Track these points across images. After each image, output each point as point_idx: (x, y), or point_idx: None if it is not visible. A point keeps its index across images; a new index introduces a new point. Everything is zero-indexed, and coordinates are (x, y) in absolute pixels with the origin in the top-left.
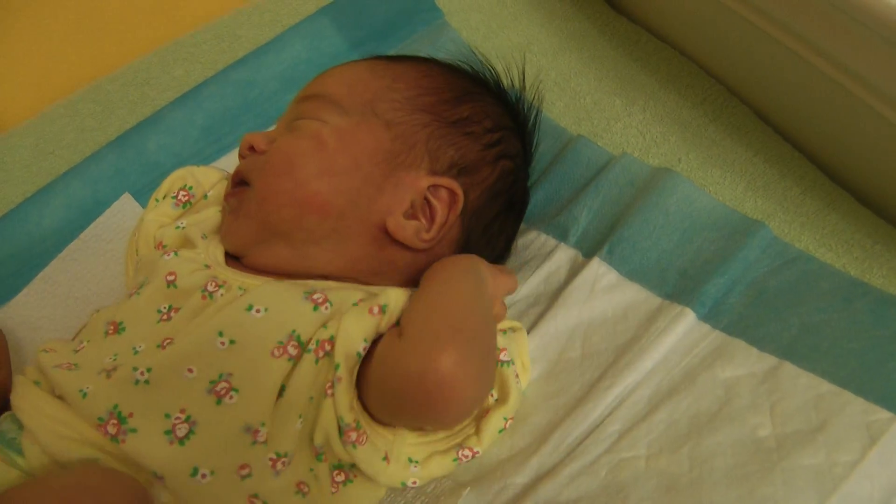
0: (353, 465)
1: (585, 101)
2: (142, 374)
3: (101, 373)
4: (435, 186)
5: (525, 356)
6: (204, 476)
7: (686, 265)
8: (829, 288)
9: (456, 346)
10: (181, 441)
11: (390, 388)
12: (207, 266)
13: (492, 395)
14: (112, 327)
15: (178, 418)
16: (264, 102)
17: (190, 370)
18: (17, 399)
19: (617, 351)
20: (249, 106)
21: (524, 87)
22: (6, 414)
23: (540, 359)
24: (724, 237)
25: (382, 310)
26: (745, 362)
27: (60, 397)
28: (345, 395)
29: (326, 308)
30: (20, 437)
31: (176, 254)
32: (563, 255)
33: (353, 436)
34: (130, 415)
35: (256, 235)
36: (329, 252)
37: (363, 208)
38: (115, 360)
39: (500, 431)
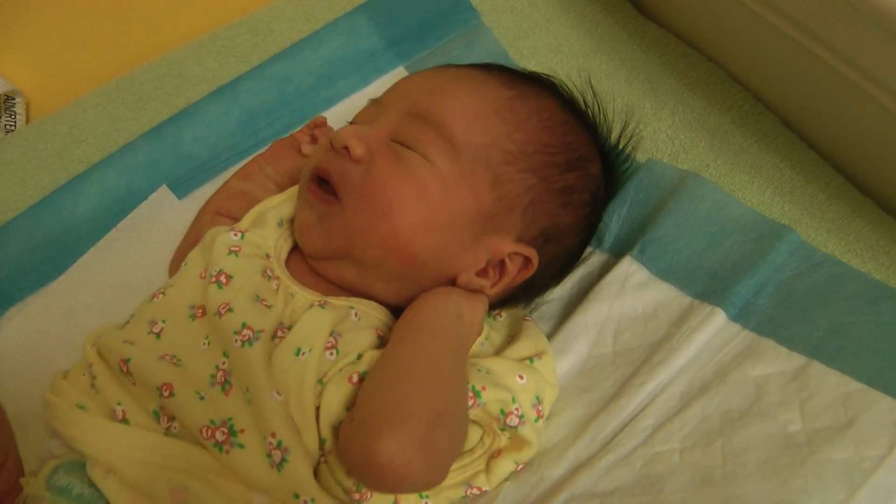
0: None
1: (616, 103)
2: (245, 392)
3: (216, 385)
4: (515, 253)
5: (551, 378)
6: (306, 502)
7: (716, 266)
8: (855, 291)
9: (391, 430)
10: (279, 466)
11: (349, 470)
12: (268, 256)
13: (504, 434)
14: (201, 311)
15: (270, 443)
16: (301, 97)
17: (278, 393)
18: (76, 431)
19: (649, 348)
20: (286, 100)
21: (621, 139)
22: (52, 465)
23: (569, 351)
24: (752, 240)
25: (362, 377)
26: (775, 361)
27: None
28: (338, 465)
29: (332, 354)
30: (76, 482)
31: (242, 236)
32: (597, 260)
33: (357, 496)
34: (242, 430)
35: (333, 254)
36: (393, 289)
37: (444, 263)
38: (223, 362)
39: (511, 473)
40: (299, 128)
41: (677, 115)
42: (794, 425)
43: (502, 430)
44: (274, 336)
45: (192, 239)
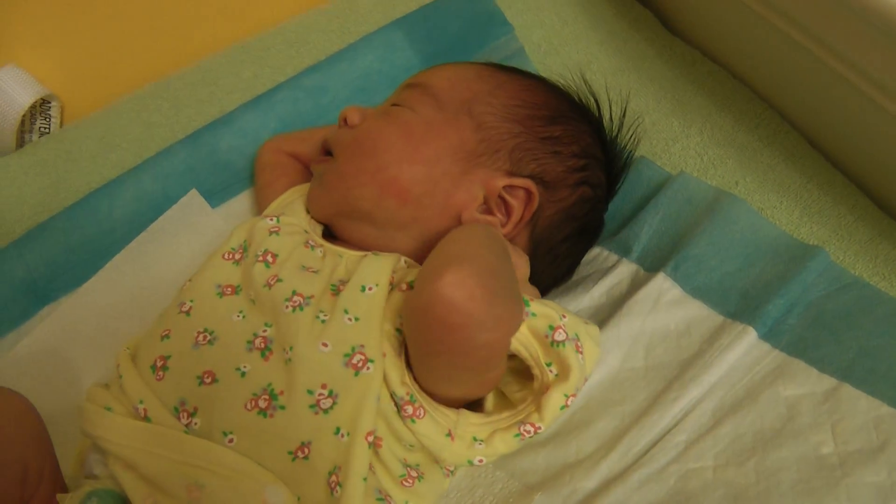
0: (419, 464)
1: (644, 120)
2: (287, 352)
3: (254, 350)
4: (511, 186)
5: (595, 343)
6: (343, 436)
7: (748, 287)
8: (885, 313)
9: (455, 268)
10: (325, 412)
11: (413, 333)
12: (306, 231)
13: (551, 371)
14: (230, 289)
15: (321, 394)
16: (336, 109)
17: (325, 345)
18: (102, 431)
19: (681, 365)
20: (321, 112)
21: (622, 125)
22: (88, 490)
23: (601, 363)
24: (784, 262)
25: (410, 286)
26: (806, 382)
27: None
28: (393, 368)
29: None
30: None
31: (278, 219)
32: (625, 270)
33: (410, 409)
34: (281, 392)
35: (337, 208)
36: (412, 239)
37: (440, 200)
38: (263, 331)
39: (562, 408)
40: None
41: (705, 133)
42: (826, 447)
43: (548, 364)
44: (337, 291)
45: (265, 178)
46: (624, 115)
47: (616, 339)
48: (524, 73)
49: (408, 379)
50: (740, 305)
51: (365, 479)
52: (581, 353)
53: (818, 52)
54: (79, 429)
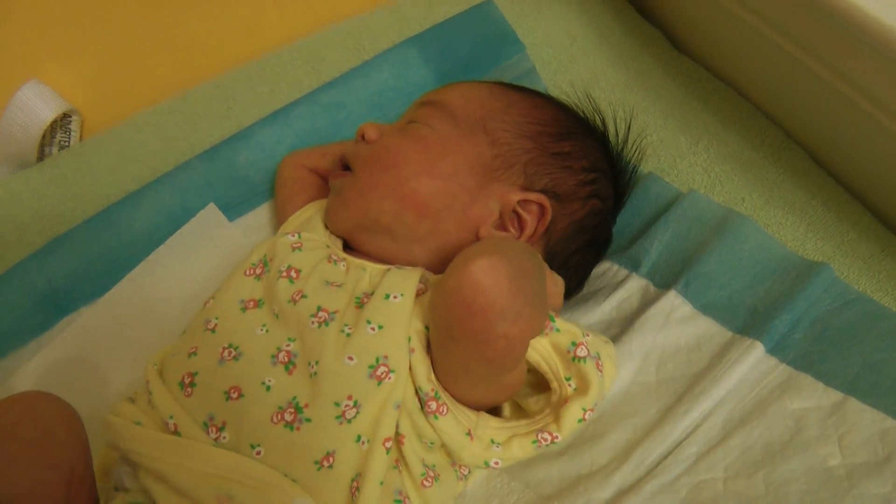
0: (435, 465)
1: (652, 137)
2: (312, 366)
3: (278, 364)
4: (525, 201)
5: (613, 364)
6: (364, 444)
7: (756, 303)
8: (888, 328)
9: (486, 255)
10: (349, 421)
11: (438, 314)
12: (328, 246)
13: (570, 385)
14: (252, 304)
15: (346, 405)
16: (352, 125)
17: (350, 358)
18: (133, 444)
19: (691, 379)
20: (337, 127)
21: (627, 140)
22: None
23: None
24: (791, 279)
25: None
26: (813, 395)
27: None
28: (420, 364)
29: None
30: None
31: (299, 235)
32: (635, 284)
33: (434, 405)
34: (306, 405)
35: (356, 221)
36: (429, 252)
37: (458, 214)
38: (287, 345)
39: (579, 421)
40: None
41: (712, 150)
42: (833, 459)
43: (567, 379)
44: (361, 304)
45: (285, 194)
46: (629, 131)
47: (628, 354)
48: (533, 92)
49: (433, 376)
50: (748, 321)
51: (381, 483)
52: (601, 371)
53: (820, 70)
54: (102, 440)
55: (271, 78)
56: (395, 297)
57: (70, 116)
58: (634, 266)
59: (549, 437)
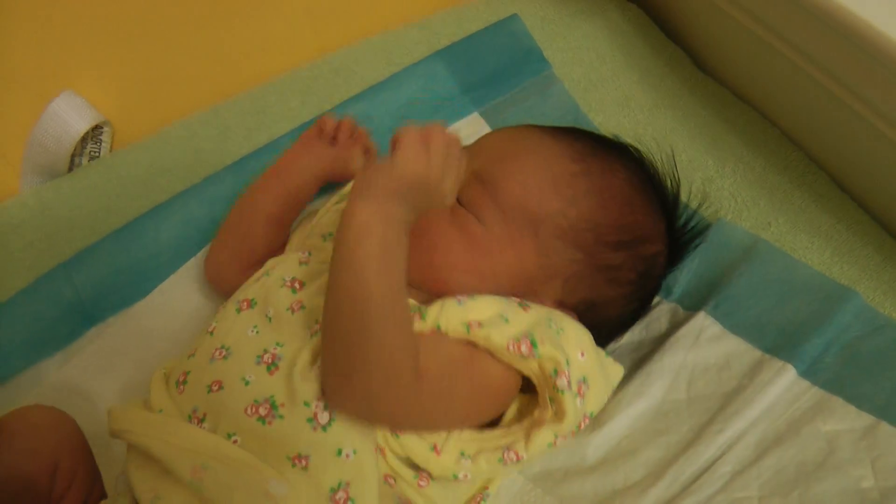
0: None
1: (681, 158)
2: (292, 370)
3: (262, 364)
4: None
5: (614, 376)
6: (348, 456)
7: (784, 323)
8: None
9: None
10: (324, 429)
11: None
12: None
13: (552, 407)
14: (245, 304)
15: (317, 405)
16: (380, 137)
17: None
18: (119, 423)
19: (723, 398)
20: None
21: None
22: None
23: (646, 394)
24: (818, 300)
25: (423, 316)
26: (845, 418)
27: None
28: None
29: (416, 318)
30: None
31: (310, 253)
32: (664, 308)
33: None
34: (282, 405)
35: None
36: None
37: None
38: (274, 348)
39: (549, 446)
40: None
41: (738, 174)
42: (866, 482)
43: (551, 400)
44: None
45: (237, 232)
46: (702, 203)
47: (660, 372)
48: (607, 179)
49: None
50: (778, 341)
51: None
52: (582, 396)
53: (842, 94)
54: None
55: (302, 91)
56: None
57: (101, 127)
58: (666, 293)
59: (515, 457)
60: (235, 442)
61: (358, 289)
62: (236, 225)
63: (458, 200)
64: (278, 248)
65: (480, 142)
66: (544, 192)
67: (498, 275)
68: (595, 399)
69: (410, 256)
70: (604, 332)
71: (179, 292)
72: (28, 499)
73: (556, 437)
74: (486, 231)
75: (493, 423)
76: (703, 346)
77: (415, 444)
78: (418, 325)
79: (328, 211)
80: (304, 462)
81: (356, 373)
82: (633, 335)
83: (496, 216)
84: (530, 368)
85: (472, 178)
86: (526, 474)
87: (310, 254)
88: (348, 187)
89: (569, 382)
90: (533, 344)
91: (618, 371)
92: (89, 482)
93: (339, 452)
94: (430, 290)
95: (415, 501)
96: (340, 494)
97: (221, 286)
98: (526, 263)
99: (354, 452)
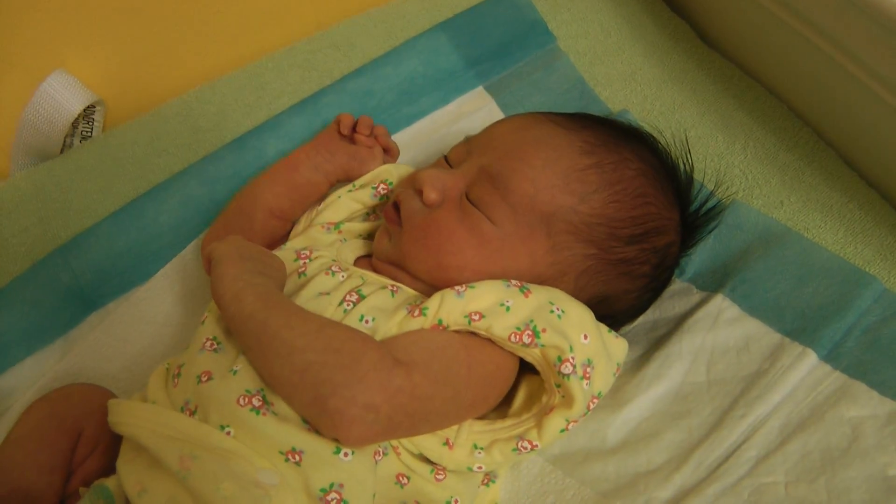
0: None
1: (690, 135)
2: None
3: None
4: None
5: (618, 355)
6: (346, 455)
7: (803, 306)
8: None
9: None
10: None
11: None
12: (333, 260)
13: (559, 392)
14: None
15: None
16: (382, 113)
17: None
18: (113, 415)
19: (743, 380)
20: (369, 114)
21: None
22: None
23: (664, 377)
24: (837, 284)
25: (423, 312)
26: (868, 404)
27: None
28: None
29: (417, 314)
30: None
31: (310, 259)
32: (677, 287)
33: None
34: (272, 403)
35: (394, 263)
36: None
37: None
38: None
39: (562, 431)
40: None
41: (748, 150)
42: (893, 469)
43: (558, 386)
44: (342, 301)
45: (235, 224)
46: (717, 188)
47: (678, 354)
48: (619, 172)
49: None
50: (797, 324)
51: (374, 496)
52: (588, 378)
53: (852, 67)
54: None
55: (301, 65)
56: (366, 322)
57: (94, 107)
58: (678, 273)
59: (529, 446)
60: (229, 434)
61: (260, 332)
62: (235, 215)
63: (468, 198)
64: (279, 240)
65: (488, 133)
66: (556, 188)
67: (509, 272)
68: (601, 379)
69: (420, 257)
70: (616, 322)
71: (183, 275)
72: (46, 456)
73: (567, 422)
74: (497, 230)
75: (501, 411)
76: (721, 329)
77: (427, 440)
78: (419, 322)
79: (335, 199)
80: (297, 457)
81: (321, 389)
82: (647, 315)
83: (507, 214)
84: (533, 356)
85: (481, 174)
86: (545, 455)
87: (309, 259)
88: (362, 178)
89: (574, 367)
90: (535, 333)
91: (621, 346)
92: (117, 449)
93: (338, 451)
94: (440, 288)
95: (434, 495)
96: (333, 496)
97: None
98: (537, 261)
99: (353, 453)
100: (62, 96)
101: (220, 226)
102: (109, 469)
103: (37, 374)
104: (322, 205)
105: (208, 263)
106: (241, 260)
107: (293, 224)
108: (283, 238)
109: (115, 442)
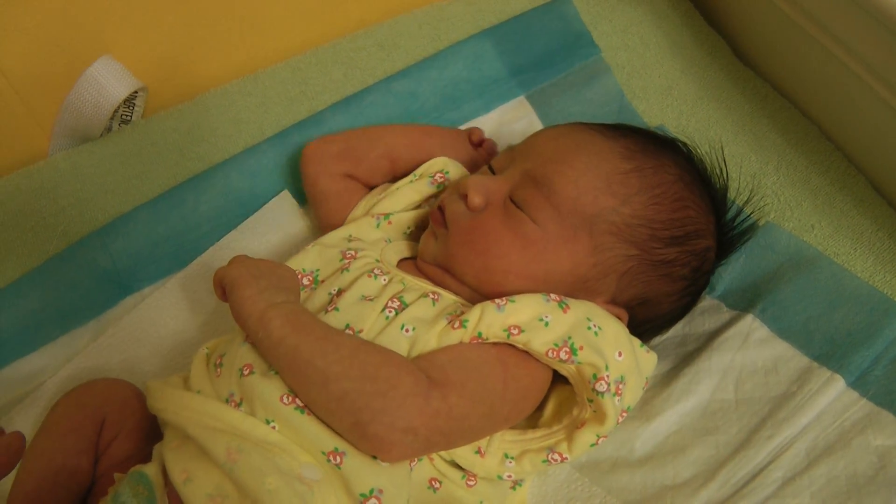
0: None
1: (725, 152)
2: None
3: None
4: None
5: (647, 369)
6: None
7: (832, 332)
8: None
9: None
10: None
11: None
12: (377, 260)
13: (590, 406)
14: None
15: None
16: (424, 116)
17: None
18: (158, 401)
19: (772, 402)
20: (410, 117)
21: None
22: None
23: (693, 392)
24: (866, 311)
25: (463, 324)
26: (895, 434)
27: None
28: None
29: (457, 326)
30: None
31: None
32: (707, 304)
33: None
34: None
35: (440, 265)
36: (482, 295)
37: None
38: None
39: (592, 445)
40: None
41: (781, 172)
42: None
43: (590, 401)
44: (385, 308)
45: (355, 141)
46: (751, 197)
47: (707, 371)
48: (658, 176)
49: None
50: (826, 349)
51: (408, 500)
52: (620, 395)
53: (883, 93)
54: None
55: (345, 62)
56: (407, 331)
57: (136, 92)
58: (709, 290)
59: (559, 458)
60: (274, 428)
61: (292, 359)
62: (359, 136)
63: (512, 201)
64: (377, 180)
65: (531, 141)
66: (598, 190)
67: (550, 277)
68: (631, 394)
69: (468, 260)
70: (653, 328)
71: (218, 264)
72: (73, 441)
73: (598, 437)
74: (541, 231)
75: (532, 419)
76: (751, 349)
77: (459, 449)
78: (459, 334)
79: (394, 191)
80: (338, 459)
81: (359, 416)
82: (676, 329)
83: (551, 216)
84: (568, 371)
85: (525, 178)
86: (572, 463)
87: (354, 259)
88: (421, 167)
89: (608, 385)
90: (573, 350)
91: (651, 360)
92: (138, 436)
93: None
94: (484, 293)
95: (465, 499)
96: (373, 501)
97: (310, 167)
98: (580, 262)
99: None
100: (108, 82)
101: (341, 137)
102: (133, 453)
103: (69, 352)
104: (383, 194)
105: (221, 290)
106: (255, 279)
107: (370, 188)
108: (375, 185)
109: (136, 428)
